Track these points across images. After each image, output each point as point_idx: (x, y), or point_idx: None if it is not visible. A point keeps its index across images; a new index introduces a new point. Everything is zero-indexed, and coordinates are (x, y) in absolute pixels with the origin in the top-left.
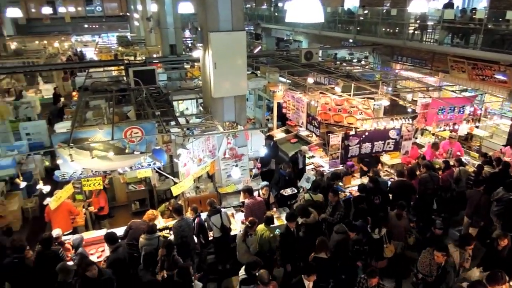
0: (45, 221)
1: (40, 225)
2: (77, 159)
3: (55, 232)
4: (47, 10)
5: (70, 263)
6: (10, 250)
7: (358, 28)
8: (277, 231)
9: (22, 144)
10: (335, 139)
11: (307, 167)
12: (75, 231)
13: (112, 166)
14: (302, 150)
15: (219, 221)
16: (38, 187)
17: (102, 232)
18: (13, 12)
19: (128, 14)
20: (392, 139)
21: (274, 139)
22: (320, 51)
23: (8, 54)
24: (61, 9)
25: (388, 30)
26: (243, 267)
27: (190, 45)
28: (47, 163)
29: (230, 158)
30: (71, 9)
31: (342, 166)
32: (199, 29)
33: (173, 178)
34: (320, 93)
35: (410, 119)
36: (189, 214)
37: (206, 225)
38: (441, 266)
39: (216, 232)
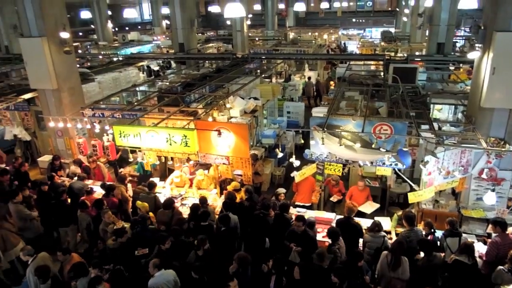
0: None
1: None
2: (327, 143)
3: None
4: (324, 5)
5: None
6: (259, 205)
7: None
8: None
9: (283, 120)
10: None
11: None
12: (310, 207)
13: (355, 157)
14: None
15: (456, 245)
16: (291, 160)
17: (330, 215)
18: (299, 7)
19: (397, 9)
20: None
21: None
22: None
23: (287, 42)
24: (336, 4)
25: None
26: None
27: (462, 44)
28: (302, 141)
29: (486, 180)
30: (344, 4)
31: None
32: (482, 28)
33: (412, 184)
34: None
35: None
36: (420, 227)
37: (439, 244)
38: None
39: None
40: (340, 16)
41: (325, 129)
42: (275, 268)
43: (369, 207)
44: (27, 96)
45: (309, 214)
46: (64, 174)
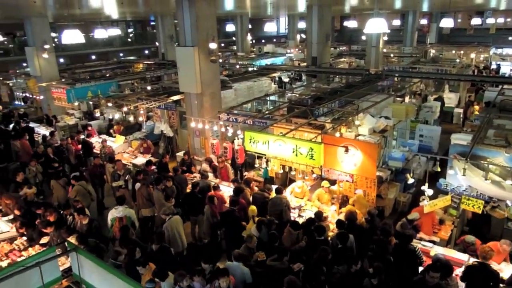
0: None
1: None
2: (469, 175)
3: None
4: (476, 20)
5: None
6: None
7: None
8: None
9: (414, 143)
10: None
11: None
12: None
13: (502, 195)
14: None
15: None
16: (422, 187)
17: (462, 256)
18: (446, 22)
19: None
20: None
21: None
22: None
23: (426, 60)
24: (489, 20)
25: None
26: None
27: None
28: (439, 169)
29: None
30: (500, 20)
31: None
32: None
33: None
34: None
35: None
36: None
37: None
38: None
39: None
40: (493, 33)
41: (468, 159)
42: None
43: (506, 269)
44: (176, 97)
45: (435, 250)
46: (196, 170)
